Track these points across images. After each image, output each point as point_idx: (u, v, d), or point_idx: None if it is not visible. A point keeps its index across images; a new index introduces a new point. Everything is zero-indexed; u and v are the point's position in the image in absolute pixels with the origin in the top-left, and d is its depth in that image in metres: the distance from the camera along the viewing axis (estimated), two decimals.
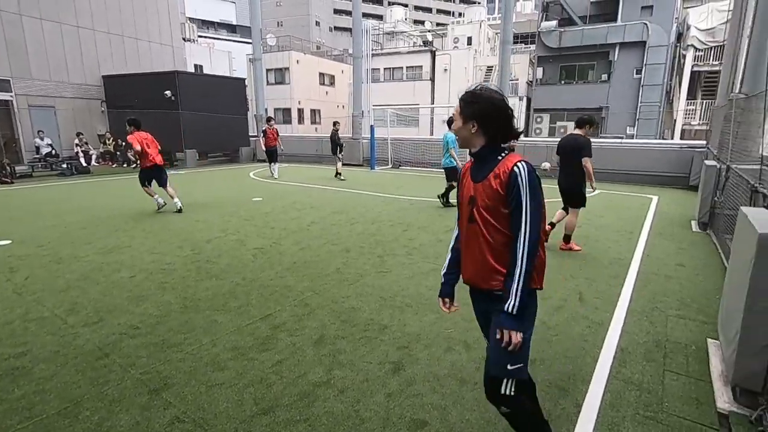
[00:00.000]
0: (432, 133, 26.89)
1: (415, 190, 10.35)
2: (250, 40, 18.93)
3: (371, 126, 14.98)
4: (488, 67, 27.32)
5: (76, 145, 15.70)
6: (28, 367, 2.76)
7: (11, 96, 14.58)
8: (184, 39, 32.98)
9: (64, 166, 13.99)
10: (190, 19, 39.30)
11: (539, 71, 24.68)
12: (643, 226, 6.83)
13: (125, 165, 16.14)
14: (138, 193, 9.59)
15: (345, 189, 10.52)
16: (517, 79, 26.36)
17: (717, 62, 19.03)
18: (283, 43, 34.50)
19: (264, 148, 12.85)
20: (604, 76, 23.15)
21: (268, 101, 30.62)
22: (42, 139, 14.84)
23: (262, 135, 12.94)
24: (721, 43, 18.03)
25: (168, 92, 15.52)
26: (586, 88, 23.64)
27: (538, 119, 25.10)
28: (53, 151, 14.89)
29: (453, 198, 7.69)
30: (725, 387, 2.59)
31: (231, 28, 48.75)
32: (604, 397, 2.53)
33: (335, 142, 12.72)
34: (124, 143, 16.53)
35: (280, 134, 13.18)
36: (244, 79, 20.03)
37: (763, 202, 3.32)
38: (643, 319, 3.53)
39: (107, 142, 16.73)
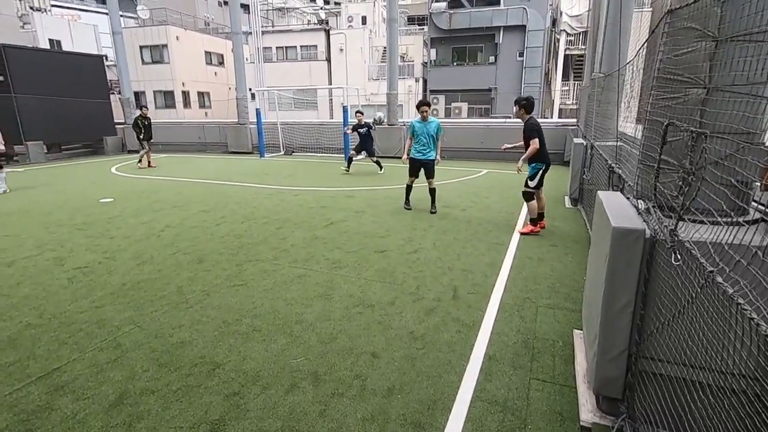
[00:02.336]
0: (331, 117, 26.03)
1: (305, 180, 9.59)
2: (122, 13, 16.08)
3: (257, 110, 13.71)
4: (384, 47, 27.00)
5: None
6: None
7: None
8: (32, 8, 27.56)
9: None
10: None
11: (433, 53, 24.99)
12: (523, 204, 6.92)
13: None
14: None
15: (226, 182, 9.37)
16: (413, 61, 26.50)
17: (585, 46, 20.86)
18: (161, 17, 30.51)
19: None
20: (492, 58, 24.19)
21: (144, 83, 27.14)
22: None
23: None
24: (587, 29, 19.76)
25: None
26: (477, 69, 24.53)
27: (435, 100, 25.55)
28: None
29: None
30: (589, 392, 2.37)
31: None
32: (465, 429, 2.15)
33: (142, 127, 11.77)
34: None
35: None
36: (103, 56, 17.12)
37: (618, 183, 3.23)
38: (514, 315, 3.30)
39: None
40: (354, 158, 10.83)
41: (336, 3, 43.44)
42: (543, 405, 2.32)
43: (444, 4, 23.93)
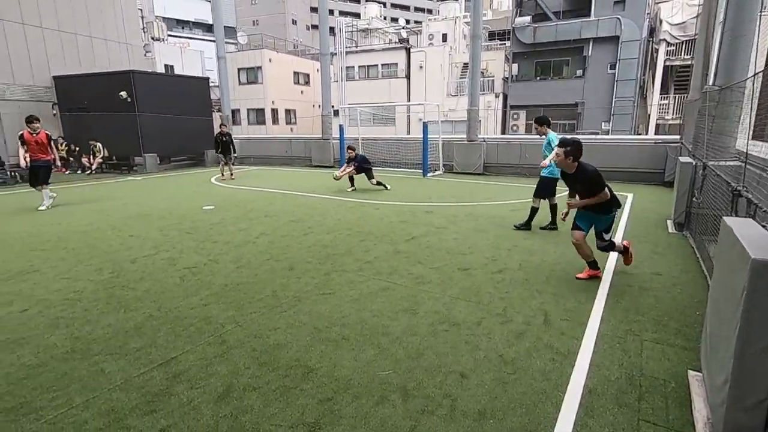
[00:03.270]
0: (408, 132, 26.42)
1: (384, 194, 9.79)
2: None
3: (340, 126, 14.36)
4: (464, 63, 26.92)
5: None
6: None
7: None
8: (153, 39, 31.76)
9: (9, 174, 12.99)
10: (162, 18, 37.92)
11: (515, 67, 24.41)
12: (617, 227, 6.41)
13: (79, 171, 15.15)
14: (79, 206, 8.79)
15: (310, 194, 9.90)
16: (493, 76, 26.08)
17: (689, 56, 19.02)
18: (256, 41, 33.50)
19: (25, 163, 8.23)
20: (579, 72, 23.00)
21: (240, 101, 29.80)
22: None
23: (20, 143, 8.14)
24: (693, 37, 18.00)
25: (123, 93, 14.60)
26: (562, 83, 23.46)
27: (515, 116, 24.85)
28: None
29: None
30: None
31: (207, 28, 47.29)
32: None
33: (219, 143, 12.88)
34: (77, 148, 15.56)
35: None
36: (207, 79, 19.12)
37: (748, 210, 2.86)
38: (615, 347, 3.04)
39: (59, 147, 15.65)
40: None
41: (417, 22, 44.46)
42: None
43: (528, 18, 23.36)
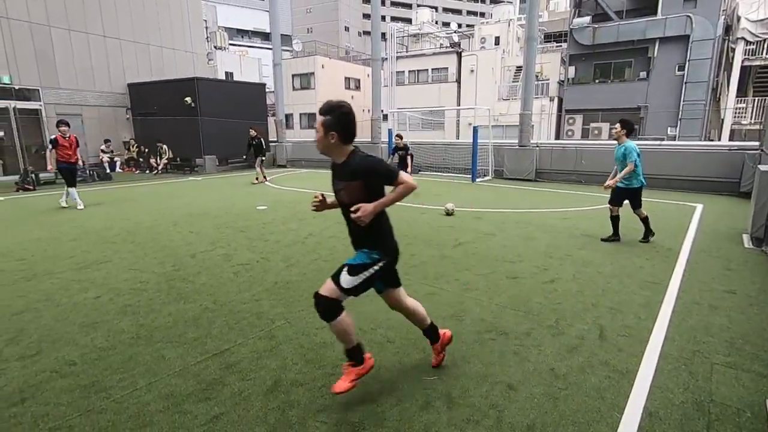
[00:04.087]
0: (458, 137, 26.10)
1: (431, 198, 9.74)
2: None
3: (389, 130, 14.46)
4: (517, 67, 26.21)
5: (102, 151, 16.02)
6: None
7: (40, 105, 15.03)
8: (215, 47, 33.72)
9: (88, 172, 14.25)
10: (224, 28, 40.22)
11: (571, 70, 23.42)
12: (684, 240, 5.96)
13: (147, 171, 16.35)
14: (146, 203, 9.48)
15: None
16: (548, 79, 25.18)
17: None
18: (310, 48, 34.64)
19: (52, 165, 8.72)
20: (643, 74, 21.64)
21: (293, 106, 30.88)
22: None
23: (50, 147, 8.57)
24: None
25: (188, 99, 15.61)
26: (623, 86, 22.18)
27: (570, 120, 23.80)
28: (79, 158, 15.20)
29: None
30: None
31: (264, 36, 49.61)
32: None
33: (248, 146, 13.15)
34: (147, 150, 16.81)
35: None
36: (264, 84, 20.00)
37: None
38: (680, 368, 2.82)
39: (131, 148, 17.02)
40: None
41: (469, 26, 43.94)
42: None
43: (588, 19, 22.36)
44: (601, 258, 5.18)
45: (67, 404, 2.47)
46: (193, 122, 15.86)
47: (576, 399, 2.51)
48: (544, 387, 2.62)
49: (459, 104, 26.55)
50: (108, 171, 15.24)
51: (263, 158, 13.38)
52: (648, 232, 5.91)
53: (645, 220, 5.87)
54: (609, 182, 5.74)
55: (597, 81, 23.11)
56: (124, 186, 12.65)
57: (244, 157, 13.67)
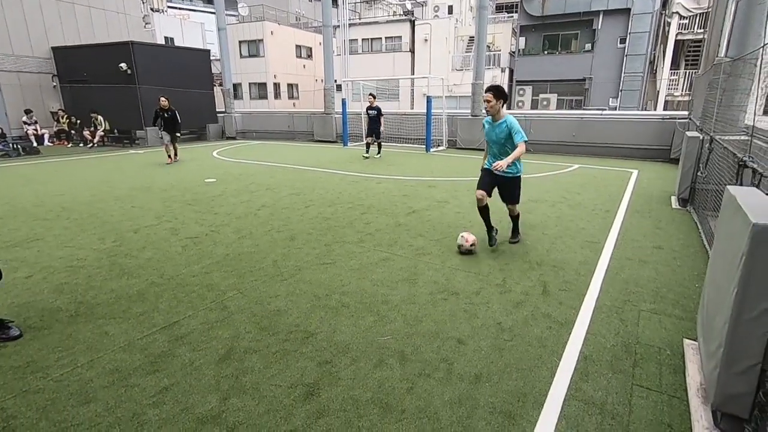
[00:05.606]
0: (412, 107, 26.04)
1: (386, 168, 9.74)
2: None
3: (343, 100, 14.15)
4: (470, 37, 26.26)
5: (24, 123, 14.56)
6: None
7: None
8: (152, 9, 31.02)
9: (12, 146, 12.96)
10: None
11: (522, 41, 23.81)
12: (620, 203, 6.38)
13: (82, 144, 15.10)
14: (83, 177, 8.80)
15: (312, 168, 9.85)
16: (500, 50, 25.48)
17: (701, 30, 18.46)
18: (257, 13, 32.69)
19: None
20: (588, 46, 22.42)
21: (242, 75, 29.32)
22: None
23: None
24: (706, 10, 17.43)
25: (123, 65, 14.40)
26: (570, 58, 22.92)
27: (521, 91, 24.39)
28: None
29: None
30: (704, 407, 2.14)
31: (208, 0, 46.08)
32: (559, 425, 2.05)
33: (161, 118, 10.55)
34: (79, 121, 15.46)
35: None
36: (208, 51, 18.77)
37: (753, 179, 2.82)
38: (612, 316, 3.07)
39: (61, 119, 15.58)
40: (370, 143, 11.44)
41: None
42: (648, 414, 2.14)
43: None
44: (546, 221, 5.44)
45: None
46: (130, 91, 14.69)
47: (520, 349, 2.67)
48: (491, 340, 2.77)
49: (413, 74, 26.36)
50: (35, 144, 13.92)
51: (179, 135, 11.00)
52: (515, 231, 4.67)
53: (517, 218, 4.63)
54: (500, 163, 3.91)
55: (546, 52, 23.69)
56: (55, 161, 11.63)
57: (157, 128, 10.89)
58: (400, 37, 27.46)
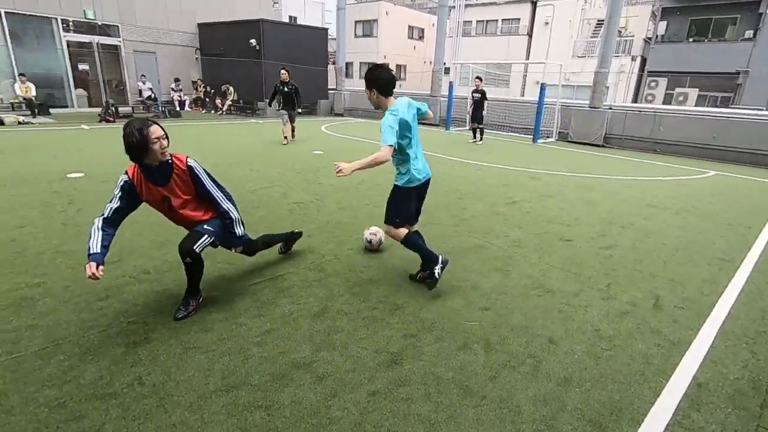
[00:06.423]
0: (523, 94, 24.66)
1: (488, 156, 9.44)
2: None
3: (450, 83, 13.91)
4: (598, 20, 23.83)
5: (172, 90, 16.85)
6: (35, 299, 2.80)
7: (119, 41, 15.88)
8: None
9: (160, 109, 15.13)
10: None
11: (661, 26, 20.93)
12: (767, 221, 5.41)
13: (212, 111, 17.06)
14: (211, 141, 9.95)
15: None
16: (632, 35, 22.73)
17: None
18: None
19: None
20: (749, 33, 18.92)
21: (354, 54, 30.34)
22: (144, 83, 16.13)
23: None
24: None
25: (253, 41, 15.79)
26: (722, 47, 19.59)
27: (653, 84, 21.61)
28: (153, 95, 16.13)
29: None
30: None
31: None
32: None
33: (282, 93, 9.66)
34: (213, 90, 17.44)
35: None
36: (326, 29, 19.69)
37: None
38: (740, 346, 2.66)
39: (198, 88, 17.73)
40: (475, 129, 11.33)
41: None
42: None
43: None
44: (665, 229, 4.84)
45: (143, 303, 2.79)
46: (257, 65, 16.12)
47: (619, 360, 2.46)
48: (587, 345, 2.59)
49: (528, 59, 24.84)
50: (178, 109, 16.08)
51: (300, 110, 10.22)
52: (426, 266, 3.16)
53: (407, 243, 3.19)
54: (342, 164, 3.00)
55: (691, 39, 20.55)
56: (193, 123, 13.34)
57: (270, 106, 10.42)
58: (519, 19, 25.99)
